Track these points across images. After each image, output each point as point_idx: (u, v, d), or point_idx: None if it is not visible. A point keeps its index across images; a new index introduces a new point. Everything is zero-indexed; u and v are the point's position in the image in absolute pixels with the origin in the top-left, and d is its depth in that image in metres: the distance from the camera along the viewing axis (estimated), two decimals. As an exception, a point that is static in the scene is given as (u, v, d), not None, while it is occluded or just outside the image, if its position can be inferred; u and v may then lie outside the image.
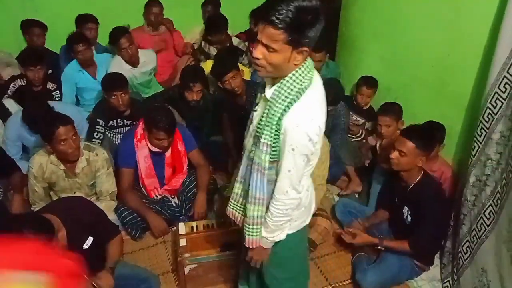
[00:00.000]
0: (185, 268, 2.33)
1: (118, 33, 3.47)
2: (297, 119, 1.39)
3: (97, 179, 2.65)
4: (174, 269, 2.57)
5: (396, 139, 2.34)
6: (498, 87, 2.02)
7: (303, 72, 1.41)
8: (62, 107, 3.04)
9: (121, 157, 2.72)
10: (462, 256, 2.32)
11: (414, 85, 2.96)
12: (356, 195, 3.18)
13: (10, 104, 3.15)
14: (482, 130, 2.14)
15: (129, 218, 2.68)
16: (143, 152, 2.70)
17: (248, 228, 1.63)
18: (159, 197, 2.84)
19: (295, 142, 1.41)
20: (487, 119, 2.10)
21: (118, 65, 3.51)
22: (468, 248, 2.28)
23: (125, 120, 3.13)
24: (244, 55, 4.13)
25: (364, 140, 3.35)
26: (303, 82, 1.41)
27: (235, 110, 3.29)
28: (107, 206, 2.60)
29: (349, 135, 3.39)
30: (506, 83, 1.99)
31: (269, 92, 1.46)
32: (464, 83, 2.50)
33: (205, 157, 2.98)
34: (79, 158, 2.54)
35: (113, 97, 2.94)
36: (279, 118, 1.40)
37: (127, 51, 3.48)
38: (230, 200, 1.75)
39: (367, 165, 3.24)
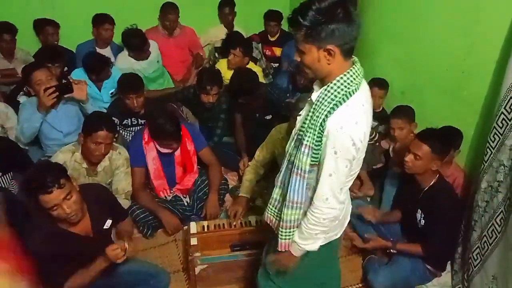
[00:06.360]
0: (195, 268, 2.34)
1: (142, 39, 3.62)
2: (341, 121, 1.36)
3: (114, 176, 2.68)
4: (185, 268, 2.59)
5: (412, 143, 2.32)
6: (513, 93, 1.99)
7: (351, 76, 1.40)
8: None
9: (132, 157, 2.74)
10: (472, 263, 2.30)
11: (429, 89, 2.94)
12: (368, 199, 3.16)
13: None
14: (496, 136, 2.11)
15: (141, 216, 2.71)
16: (151, 154, 2.73)
17: (282, 231, 1.60)
18: (171, 196, 2.86)
19: (338, 144, 1.38)
20: (500, 125, 2.07)
21: (126, 59, 3.63)
22: (478, 255, 2.26)
23: (139, 119, 3.17)
24: (259, 60, 4.13)
25: (377, 144, 3.32)
26: (351, 85, 1.39)
27: (248, 111, 3.30)
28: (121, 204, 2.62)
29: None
30: (521, 89, 1.96)
31: (315, 95, 1.45)
32: (479, 88, 2.47)
33: (217, 157, 2.99)
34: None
35: (128, 99, 2.99)
36: (323, 120, 1.38)
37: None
38: (268, 205, 1.72)
39: (380, 168, 3.22)
